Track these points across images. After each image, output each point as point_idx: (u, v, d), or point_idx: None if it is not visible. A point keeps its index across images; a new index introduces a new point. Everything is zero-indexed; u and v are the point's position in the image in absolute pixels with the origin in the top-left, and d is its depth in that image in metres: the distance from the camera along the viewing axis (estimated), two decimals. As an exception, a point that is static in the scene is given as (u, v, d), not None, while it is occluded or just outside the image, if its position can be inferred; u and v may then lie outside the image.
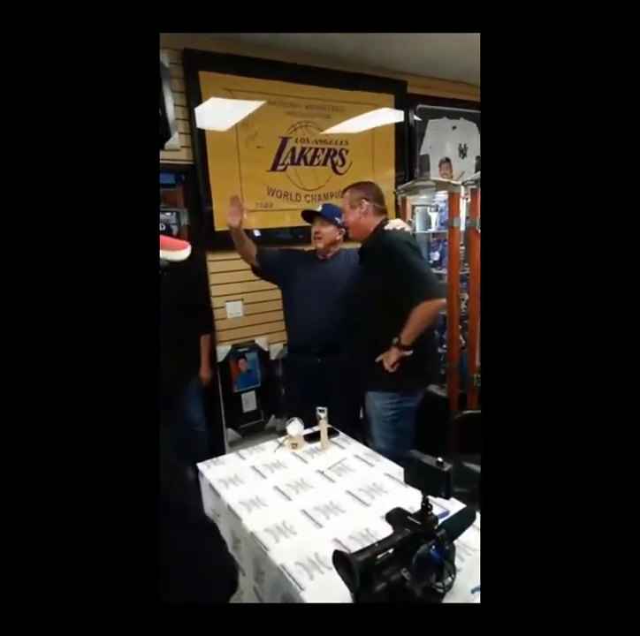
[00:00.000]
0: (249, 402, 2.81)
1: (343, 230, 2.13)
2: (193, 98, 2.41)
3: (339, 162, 2.94)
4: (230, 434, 2.75)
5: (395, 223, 1.89)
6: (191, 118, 2.41)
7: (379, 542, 0.93)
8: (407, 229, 1.96)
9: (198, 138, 2.44)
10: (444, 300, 1.77)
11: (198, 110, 2.42)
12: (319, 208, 2.19)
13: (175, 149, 2.39)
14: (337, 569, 0.93)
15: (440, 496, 0.95)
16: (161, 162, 2.27)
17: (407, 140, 3.22)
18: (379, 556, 0.91)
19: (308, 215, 2.21)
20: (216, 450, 2.51)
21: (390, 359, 1.79)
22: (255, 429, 2.82)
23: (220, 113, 2.49)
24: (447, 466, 0.93)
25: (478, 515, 1.07)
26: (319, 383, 2.15)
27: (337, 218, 2.12)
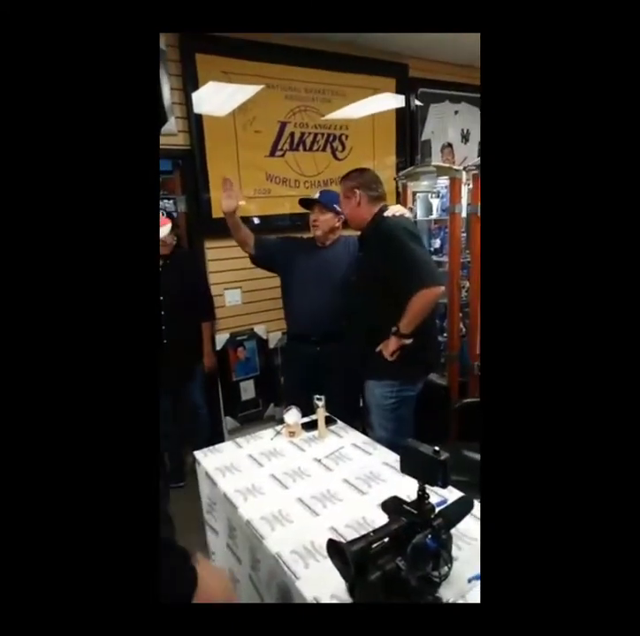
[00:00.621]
0: (248, 390, 2.80)
1: (342, 217, 2.10)
2: (190, 81, 2.36)
3: (339, 148, 2.90)
4: (229, 422, 2.75)
5: (394, 210, 1.85)
6: (188, 102, 2.37)
7: (374, 531, 0.92)
8: (408, 215, 1.92)
9: (195, 122, 2.40)
10: (442, 288, 1.74)
11: (195, 95, 2.37)
12: (317, 196, 2.15)
13: (172, 134, 2.35)
14: (331, 558, 0.92)
15: (437, 485, 0.93)
16: (157, 146, 2.24)
17: (408, 125, 3.17)
18: (374, 546, 0.89)
19: (306, 202, 2.17)
20: (214, 437, 2.51)
21: (389, 347, 1.77)
22: (253, 418, 2.82)
23: (218, 97, 2.44)
24: (444, 455, 0.91)
25: (477, 503, 1.06)
26: (318, 372, 2.14)
27: (335, 205, 2.08)
